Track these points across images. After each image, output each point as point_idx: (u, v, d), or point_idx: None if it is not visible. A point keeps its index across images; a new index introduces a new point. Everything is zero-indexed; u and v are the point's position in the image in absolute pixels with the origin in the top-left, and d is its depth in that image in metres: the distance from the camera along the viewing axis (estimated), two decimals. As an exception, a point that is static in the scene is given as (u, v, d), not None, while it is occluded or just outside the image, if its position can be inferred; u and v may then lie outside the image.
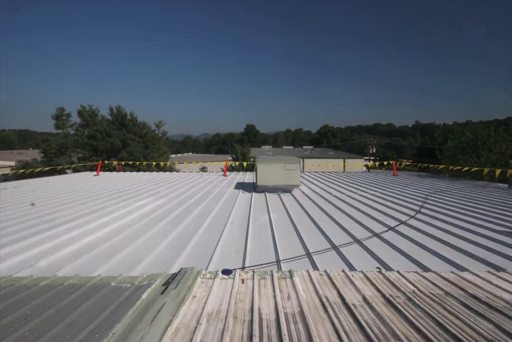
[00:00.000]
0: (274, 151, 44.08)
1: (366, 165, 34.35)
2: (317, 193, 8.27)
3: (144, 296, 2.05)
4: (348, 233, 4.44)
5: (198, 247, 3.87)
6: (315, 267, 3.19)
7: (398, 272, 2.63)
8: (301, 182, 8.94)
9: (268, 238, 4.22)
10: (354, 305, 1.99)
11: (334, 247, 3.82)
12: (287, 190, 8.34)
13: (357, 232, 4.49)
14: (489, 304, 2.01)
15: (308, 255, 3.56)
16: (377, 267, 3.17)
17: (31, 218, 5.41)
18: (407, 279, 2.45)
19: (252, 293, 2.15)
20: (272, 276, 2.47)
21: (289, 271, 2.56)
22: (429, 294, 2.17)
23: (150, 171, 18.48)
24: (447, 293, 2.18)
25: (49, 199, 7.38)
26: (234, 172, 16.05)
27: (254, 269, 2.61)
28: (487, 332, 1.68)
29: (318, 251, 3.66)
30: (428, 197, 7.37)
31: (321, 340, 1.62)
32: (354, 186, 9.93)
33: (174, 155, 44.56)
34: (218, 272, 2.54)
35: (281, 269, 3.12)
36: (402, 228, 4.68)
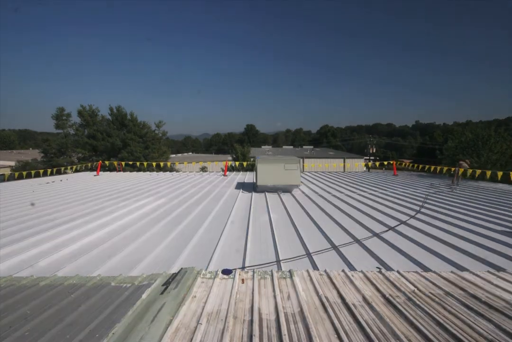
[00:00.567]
0: (274, 151, 44.07)
1: (367, 165, 34.34)
2: (317, 193, 8.27)
3: (144, 296, 2.05)
4: (348, 233, 4.44)
5: (198, 247, 3.87)
6: (315, 267, 3.19)
7: (398, 272, 2.63)
8: (301, 182, 8.94)
9: (268, 238, 4.22)
10: (354, 305, 1.99)
11: (334, 247, 3.82)
12: (287, 189, 8.34)
13: (357, 231, 4.49)
14: (489, 304, 2.01)
15: (308, 255, 3.56)
16: (377, 267, 3.17)
17: (31, 218, 5.41)
18: (407, 279, 2.45)
19: (252, 293, 2.15)
20: (272, 276, 2.47)
21: (289, 271, 2.56)
22: (429, 294, 2.17)
23: (150, 171, 18.48)
24: (447, 293, 2.18)
25: (49, 199, 7.39)
26: (234, 172, 16.05)
27: (254, 269, 2.61)
28: (487, 332, 1.68)
29: (318, 251, 3.66)
30: (428, 197, 7.37)
31: (321, 340, 1.62)
32: (354, 185, 9.93)
33: (174, 155, 44.56)
34: (218, 272, 2.54)
35: (281, 269, 3.12)
36: (402, 228, 4.68)
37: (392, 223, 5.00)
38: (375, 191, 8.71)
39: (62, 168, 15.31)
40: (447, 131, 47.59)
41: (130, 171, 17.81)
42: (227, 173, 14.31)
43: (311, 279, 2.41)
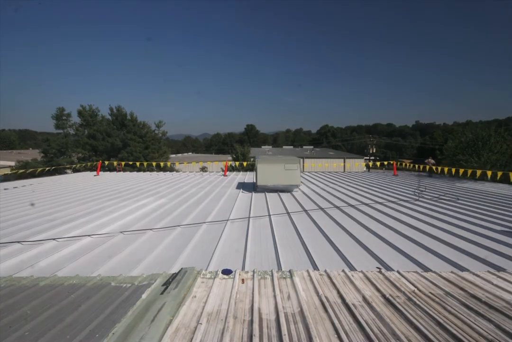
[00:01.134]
0: (274, 151, 44.06)
1: (367, 165, 34.34)
2: (317, 193, 8.27)
3: (144, 296, 2.05)
4: (348, 233, 4.44)
5: (198, 247, 3.87)
6: (315, 267, 3.19)
7: (398, 272, 2.63)
8: (301, 182, 8.94)
9: (268, 238, 4.22)
10: (354, 305, 1.99)
11: (334, 247, 3.82)
12: (287, 189, 8.34)
13: (357, 231, 4.48)
14: (489, 304, 2.01)
15: (308, 254, 3.56)
16: (377, 267, 3.17)
17: (31, 218, 5.41)
18: (407, 279, 2.45)
19: (252, 293, 2.15)
20: (272, 276, 2.47)
21: (289, 271, 2.56)
22: (429, 294, 2.17)
23: (150, 171, 18.49)
24: (447, 293, 2.18)
25: (49, 199, 7.38)
26: (234, 172, 16.06)
27: (254, 269, 2.61)
28: (487, 332, 1.68)
29: (318, 251, 3.66)
30: (422, 192, 7.37)
31: (321, 340, 1.62)
32: (354, 185, 9.93)
33: (174, 155, 44.55)
34: (218, 272, 2.54)
35: (281, 269, 3.12)
36: (402, 228, 4.68)
37: (392, 222, 5.00)
38: (375, 190, 8.72)
39: (62, 167, 15.28)
40: (447, 131, 47.60)
41: (130, 171, 17.81)
42: (227, 173, 14.31)
43: (311, 279, 2.41)
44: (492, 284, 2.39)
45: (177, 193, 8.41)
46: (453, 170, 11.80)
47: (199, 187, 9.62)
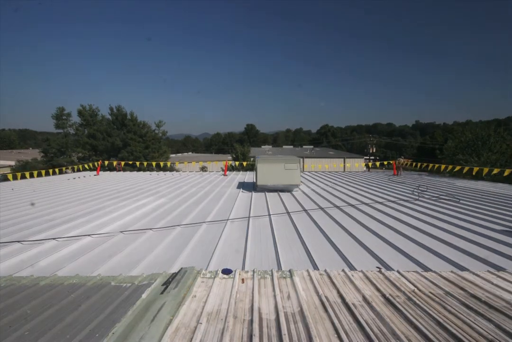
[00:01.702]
0: (274, 151, 44.04)
1: (367, 165, 34.34)
2: (317, 193, 8.27)
3: (144, 295, 2.05)
4: (348, 233, 4.44)
5: (198, 247, 3.87)
6: (315, 267, 3.19)
7: (398, 271, 2.63)
8: (301, 182, 8.94)
9: (268, 238, 4.22)
10: (354, 304, 1.99)
11: (334, 246, 3.82)
12: (287, 189, 8.34)
13: (357, 231, 4.48)
14: (489, 304, 2.01)
15: (308, 254, 3.56)
16: (377, 267, 3.17)
17: (31, 218, 5.41)
18: (407, 279, 2.45)
19: (252, 293, 2.15)
20: (272, 275, 2.47)
21: (289, 271, 2.56)
22: (429, 294, 2.17)
23: (150, 171, 18.49)
24: (447, 293, 2.18)
25: (49, 199, 7.39)
26: (234, 172, 16.05)
27: (254, 269, 2.61)
28: (487, 332, 1.68)
29: (318, 250, 3.66)
30: (421, 192, 7.37)
31: (321, 339, 1.62)
32: (354, 185, 9.93)
33: (174, 155, 44.56)
34: (218, 272, 2.54)
35: (281, 269, 3.12)
36: (402, 227, 4.68)
37: (392, 222, 4.99)
38: (375, 190, 8.72)
39: (64, 168, 15.32)
40: (447, 131, 47.55)
41: (130, 171, 17.81)
42: (227, 172, 14.31)
43: (311, 279, 2.41)
44: (492, 283, 2.39)
45: (177, 192, 8.41)
46: (450, 167, 11.85)
47: (199, 187, 9.62)
